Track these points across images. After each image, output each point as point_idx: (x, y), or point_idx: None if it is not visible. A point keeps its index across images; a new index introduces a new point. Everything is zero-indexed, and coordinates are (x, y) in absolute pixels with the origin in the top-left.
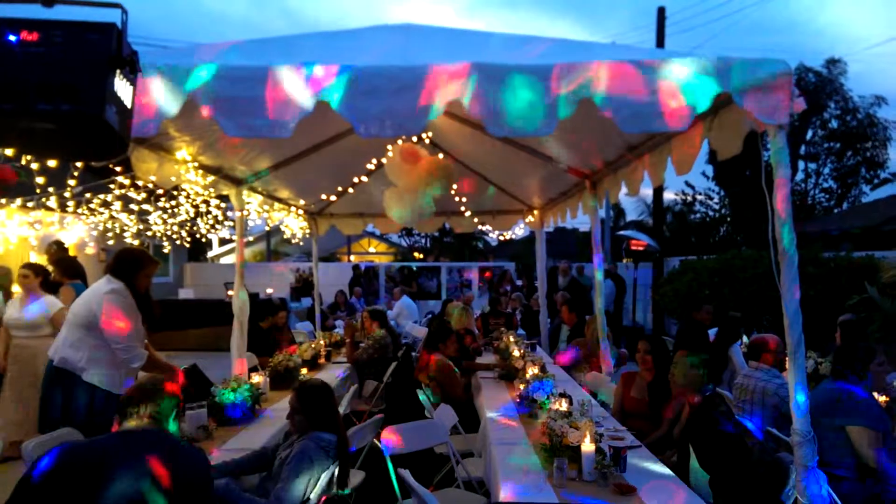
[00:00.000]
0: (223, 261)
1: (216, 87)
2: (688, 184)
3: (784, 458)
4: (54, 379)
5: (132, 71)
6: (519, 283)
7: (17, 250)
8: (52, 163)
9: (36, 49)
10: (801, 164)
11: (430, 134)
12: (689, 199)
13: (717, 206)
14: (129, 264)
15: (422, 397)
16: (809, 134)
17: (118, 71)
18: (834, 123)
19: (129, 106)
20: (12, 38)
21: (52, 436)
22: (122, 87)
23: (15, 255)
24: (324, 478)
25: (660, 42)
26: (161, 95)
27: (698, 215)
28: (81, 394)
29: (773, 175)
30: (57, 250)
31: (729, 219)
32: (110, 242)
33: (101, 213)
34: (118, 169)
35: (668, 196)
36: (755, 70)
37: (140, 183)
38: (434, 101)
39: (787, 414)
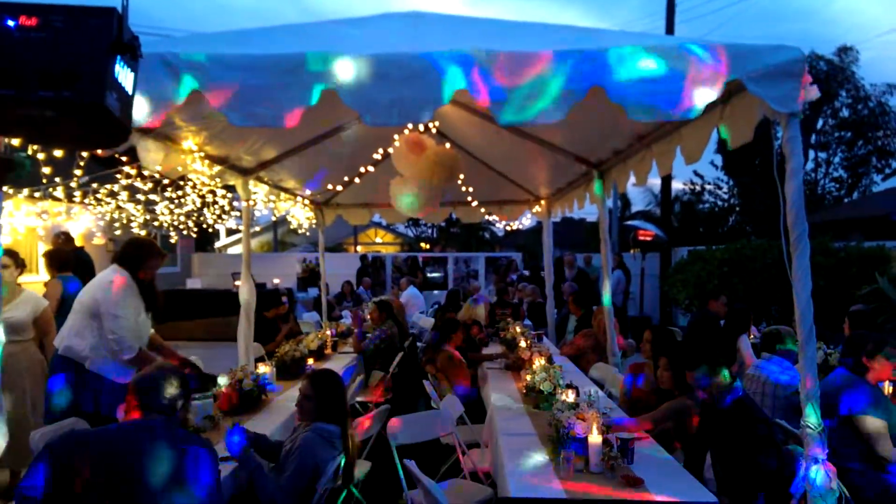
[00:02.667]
0: (230, 251)
1: (222, 76)
2: (696, 173)
3: (793, 450)
4: (59, 368)
5: (133, 57)
6: (525, 273)
7: (24, 240)
8: (58, 153)
9: (35, 34)
10: (811, 154)
11: (436, 123)
12: (698, 188)
13: (726, 196)
14: (134, 253)
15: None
16: (820, 123)
17: (119, 57)
18: (845, 112)
19: (130, 93)
20: (11, 23)
21: (60, 425)
22: (124, 74)
23: (23, 246)
24: (329, 469)
25: (669, 30)
26: (166, 84)
27: (707, 205)
28: (86, 383)
29: (785, 164)
30: (64, 241)
31: (738, 209)
32: (118, 233)
33: (108, 204)
34: (124, 159)
35: (677, 186)
36: (767, 57)
37: (146, 173)
38: (441, 89)
39: (797, 406)
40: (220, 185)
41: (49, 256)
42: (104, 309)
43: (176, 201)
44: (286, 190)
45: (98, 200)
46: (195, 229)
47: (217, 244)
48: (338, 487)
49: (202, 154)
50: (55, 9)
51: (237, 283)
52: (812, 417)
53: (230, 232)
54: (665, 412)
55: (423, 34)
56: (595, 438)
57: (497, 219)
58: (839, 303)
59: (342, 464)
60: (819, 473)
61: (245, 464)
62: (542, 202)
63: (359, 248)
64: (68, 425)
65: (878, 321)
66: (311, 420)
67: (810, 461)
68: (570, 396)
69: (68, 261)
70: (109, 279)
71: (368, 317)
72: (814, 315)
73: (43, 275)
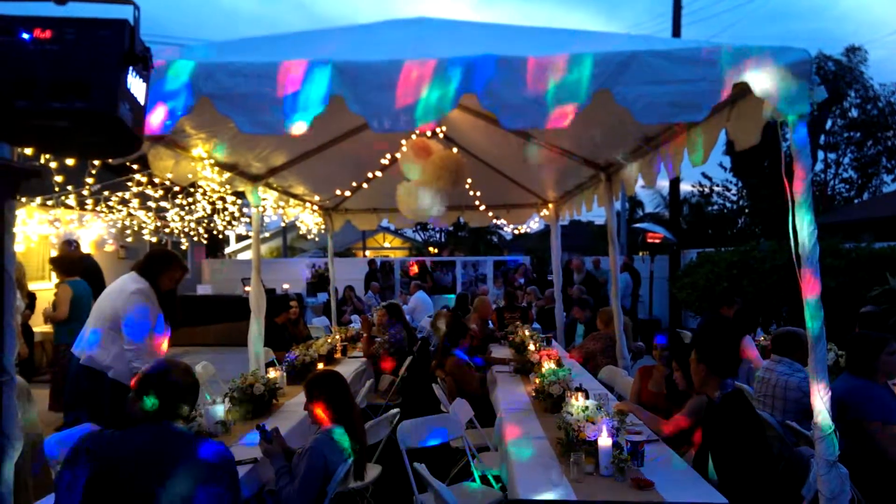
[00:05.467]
0: (240, 257)
1: (230, 83)
2: (705, 175)
3: (804, 452)
4: (80, 377)
5: (145, 68)
6: (533, 275)
7: (37, 248)
8: (69, 161)
9: (49, 47)
10: (820, 154)
11: (443, 128)
12: (707, 190)
13: (734, 198)
14: (156, 263)
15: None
16: (829, 123)
17: (131, 68)
18: (854, 112)
19: (142, 103)
20: (26, 35)
21: (73, 431)
22: (136, 84)
23: (36, 253)
24: (339, 471)
25: (676, 32)
26: (176, 93)
27: (716, 207)
28: (107, 391)
29: (794, 165)
30: (73, 248)
31: (747, 210)
32: (129, 240)
33: (120, 211)
34: (135, 166)
35: (685, 188)
36: (774, 59)
37: (157, 180)
38: (447, 94)
39: (808, 408)
40: (229, 191)
41: (56, 263)
42: (124, 321)
43: (186, 208)
44: (295, 196)
45: (110, 208)
46: (205, 235)
47: (227, 250)
48: (348, 491)
49: (212, 161)
50: (68, 22)
51: (247, 288)
52: (823, 419)
53: (240, 238)
54: (689, 414)
55: (429, 40)
56: (605, 441)
57: (505, 222)
58: (850, 304)
59: (352, 465)
60: (830, 475)
61: (275, 461)
62: (550, 205)
63: (367, 252)
64: (81, 431)
65: (889, 322)
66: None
67: (822, 463)
68: (579, 399)
69: (75, 266)
70: (130, 289)
71: (377, 321)
72: (824, 317)
73: (54, 281)
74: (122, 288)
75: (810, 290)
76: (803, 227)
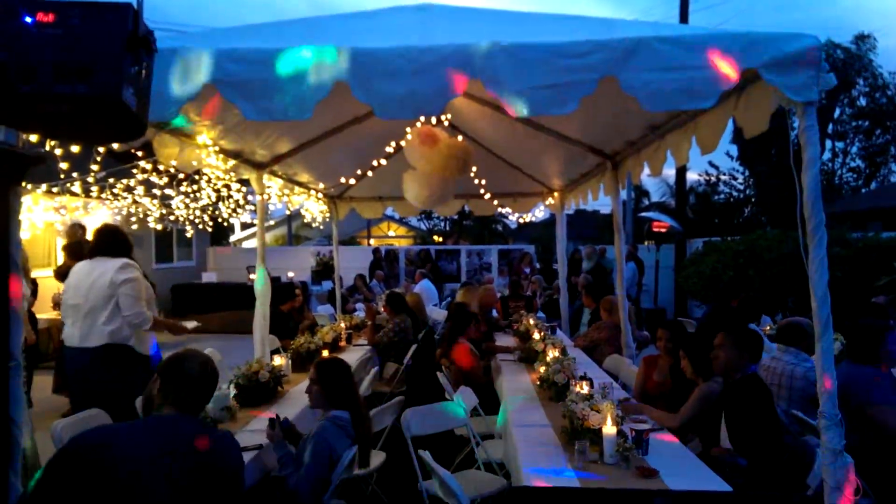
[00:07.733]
0: (245, 245)
1: (235, 70)
2: (712, 164)
3: (810, 441)
4: (103, 360)
5: (149, 52)
6: (537, 265)
7: (43, 235)
8: (74, 148)
9: (52, 30)
10: (828, 143)
11: (449, 116)
12: (713, 179)
13: (741, 187)
14: (121, 243)
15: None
16: (837, 112)
17: (135, 51)
18: (862, 101)
19: (146, 87)
20: (28, 19)
21: (79, 417)
22: (140, 68)
23: (42, 240)
24: (344, 458)
25: (683, 18)
26: (180, 79)
27: (722, 196)
28: (137, 366)
29: (802, 153)
30: (82, 234)
31: (754, 199)
32: (134, 227)
33: (125, 198)
34: (140, 154)
35: (692, 177)
36: (783, 45)
37: (162, 168)
38: (453, 81)
39: (814, 397)
40: (234, 179)
41: (68, 250)
42: (120, 290)
43: (191, 195)
44: (300, 184)
45: (115, 195)
46: (210, 223)
47: (232, 238)
48: (352, 478)
49: (217, 148)
50: (72, 5)
51: (252, 276)
52: (828, 408)
53: (245, 226)
54: (697, 402)
55: (434, 26)
56: (609, 430)
57: (510, 211)
58: (857, 294)
59: (356, 452)
60: (836, 465)
61: (277, 448)
62: (556, 194)
63: (372, 241)
64: (89, 417)
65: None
66: (323, 407)
67: (827, 452)
68: (584, 388)
69: (84, 253)
70: (117, 265)
71: (383, 309)
72: (831, 306)
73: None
74: (106, 269)
75: (817, 280)
76: (811, 216)
